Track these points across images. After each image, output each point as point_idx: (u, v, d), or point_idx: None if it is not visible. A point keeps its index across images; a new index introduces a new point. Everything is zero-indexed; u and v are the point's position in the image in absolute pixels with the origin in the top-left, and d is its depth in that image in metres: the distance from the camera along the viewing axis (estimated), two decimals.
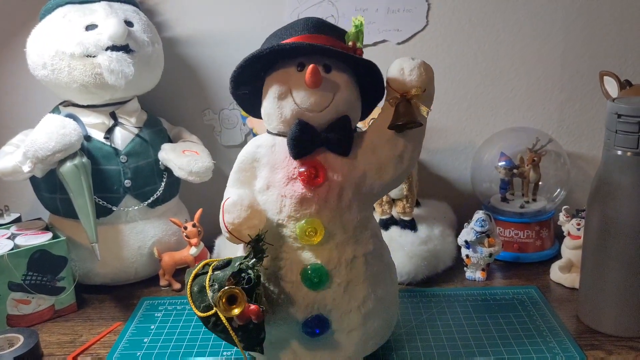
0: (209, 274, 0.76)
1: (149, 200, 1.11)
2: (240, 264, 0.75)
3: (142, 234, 1.11)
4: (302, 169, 0.79)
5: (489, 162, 1.22)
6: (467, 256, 1.12)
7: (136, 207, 1.10)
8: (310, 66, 0.76)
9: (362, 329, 0.83)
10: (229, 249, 1.07)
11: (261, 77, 0.84)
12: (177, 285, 1.12)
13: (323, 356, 0.83)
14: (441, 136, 1.29)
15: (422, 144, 0.86)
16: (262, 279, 0.77)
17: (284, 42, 0.80)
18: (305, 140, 0.80)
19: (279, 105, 0.80)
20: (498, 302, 1.04)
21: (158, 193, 1.12)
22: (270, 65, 0.83)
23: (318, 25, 0.82)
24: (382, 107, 0.85)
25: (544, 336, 0.93)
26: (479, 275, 1.12)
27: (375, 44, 1.24)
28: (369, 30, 1.23)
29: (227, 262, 0.78)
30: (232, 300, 0.71)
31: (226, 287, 0.71)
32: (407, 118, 0.80)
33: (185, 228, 1.10)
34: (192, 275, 0.78)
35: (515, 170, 1.19)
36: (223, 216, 0.78)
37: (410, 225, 1.14)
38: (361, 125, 1.13)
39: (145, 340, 0.96)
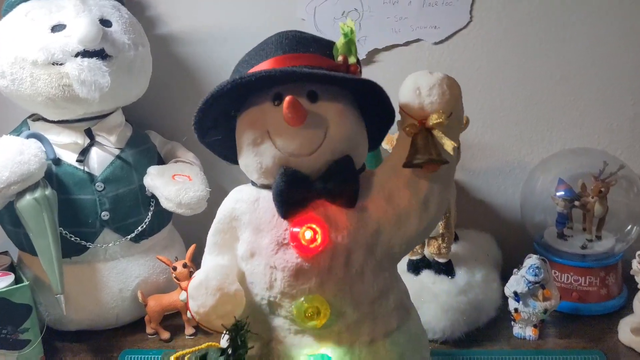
0: None
1: (132, 235, 0.93)
2: None
3: (124, 274, 0.94)
4: (295, 231, 0.60)
5: (543, 190, 1.01)
6: (517, 310, 0.91)
7: (117, 243, 0.92)
8: (287, 98, 0.57)
9: None
10: None
11: (233, 116, 0.64)
12: (165, 335, 0.95)
13: None
14: (485, 154, 1.09)
15: (453, 182, 0.67)
16: None
17: (252, 70, 0.61)
18: (295, 194, 0.61)
19: (256, 152, 0.62)
20: None
21: (143, 225, 0.94)
22: (241, 101, 0.64)
23: (296, 42, 0.63)
24: (397, 138, 0.65)
25: None
26: (529, 332, 0.92)
27: (407, 43, 1.04)
28: (400, 27, 1.02)
29: (203, 357, 0.60)
30: None
31: None
32: (427, 156, 0.61)
33: (175, 269, 0.93)
34: None
35: (576, 202, 0.97)
36: (188, 302, 0.61)
37: (447, 270, 0.94)
38: (387, 147, 0.93)
39: None
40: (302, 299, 0.61)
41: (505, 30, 1.02)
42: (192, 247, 0.94)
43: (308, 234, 0.60)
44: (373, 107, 0.64)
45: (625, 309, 0.96)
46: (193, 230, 1.00)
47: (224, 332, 0.59)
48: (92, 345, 0.94)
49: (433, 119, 0.60)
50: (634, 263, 0.90)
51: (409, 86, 0.62)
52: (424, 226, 0.65)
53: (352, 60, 0.62)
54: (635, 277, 0.90)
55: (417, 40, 1.03)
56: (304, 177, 0.61)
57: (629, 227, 0.99)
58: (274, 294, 0.62)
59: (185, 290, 0.93)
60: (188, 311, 0.93)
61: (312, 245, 0.61)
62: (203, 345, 0.63)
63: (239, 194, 0.67)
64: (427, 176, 0.63)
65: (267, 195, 0.63)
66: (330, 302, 0.61)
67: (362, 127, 0.64)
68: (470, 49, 1.04)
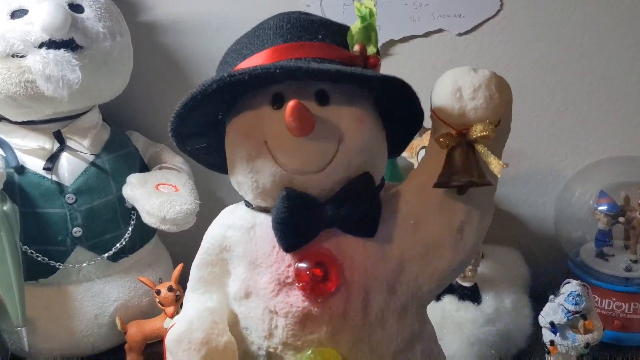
0: None
1: (110, 253, 0.81)
2: None
3: (101, 298, 0.82)
4: (301, 267, 0.48)
5: (582, 204, 0.88)
6: (553, 343, 0.79)
7: (91, 263, 0.80)
8: (290, 103, 0.45)
9: None
10: None
11: (220, 121, 0.52)
12: None
13: None
14: (514, 160, 0.96)
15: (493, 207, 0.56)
16: None
17: (244, 62, 0.50)
18: (300, 223, 0.49)
19: (250, 168, 0.50)
20: None
21: (123, 242, 0.82)
22: (230, 102, 0.51)
23: (300, 26, 0.51)
24: (428, 148, 0.54)
25: None
26: None
27: (427, 34, 0.91)
28: (420, 15, 0.90)
29: None
30: None
31: None
32: (467, 177, 0.49)
33: (158, 292, 0.80)
34: None
35: (621, 218, 0.85)
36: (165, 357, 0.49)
37: (472, 295, 0.82)
38: (406, 154, 0.81)
39: None
40: (310, 351, 0.49)
41: (540, 20, 0.89)
42: (179, 267, 0.82)
43: (317, 272, 0.48)
44: (396, 108, 0.52)
45: None
46: (182, 244, 0.88)
47: None
48: None
49: (477, 131, 0.48)
50: None
51: (446, 86, 0.50)
52: (458, 260, 0.53)
53: (371, 50, 0.50)
54: None
55: (439, 30, 0.91)
56: (311, 201, 0.49)
57: None
58: (274, 344, 0.50)
59: (171, 317, 0.81)
60: None
61: (322, 286, 0.48)
62: None
63: (230, 218, 0.54)
64: (464, 198, 0.51)
65: (266, 221, 0.51)
66: (345, 355, 0.49)
67: (383, 135, 0.52)
68: (500, 41, 0.91)
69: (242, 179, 0.51)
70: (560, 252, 0.94)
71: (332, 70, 0.47)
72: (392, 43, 0.91)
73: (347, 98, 0.50)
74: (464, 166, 0.49)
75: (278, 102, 0.49)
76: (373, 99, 0.52)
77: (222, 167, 0.56)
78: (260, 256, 0.51)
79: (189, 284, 0.56)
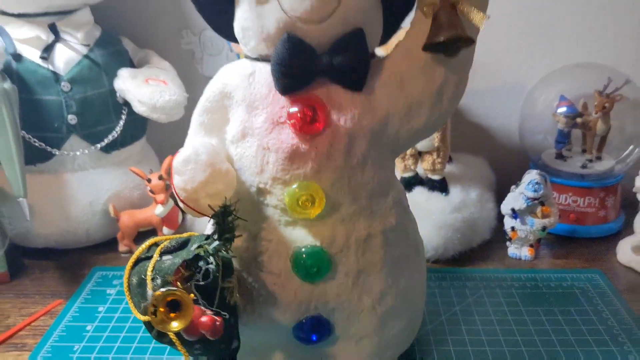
0: (153, 259, 0.52)
1: (103, 143, 0.85)
2: (199, 246, 0.51)
3: (95, 186, 0.87)
4: (294, 110, 0.54)
5: (544, 108, 0.95)
6: (513, 228, 0.87)
7: (85, 152, 0.85)
8: None
9: (378, 336, 0.60)
10: None
11: None
12: None
13: None
14: (480, 73, 1.02)
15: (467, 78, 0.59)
16: (234, 266, 0.53)
17: None
18: (297, 66, 0.54)
19: (258, 13, 0.54)
20: (553, 291, 0.79)
21: (115, 134, 0.86)
22: None
23: None
24: (413, 21, 0.59)
25: (616, 338, 0.70)
26: (525, 252, 0.87)
27: None
28: None
29: (184, 243, 0.54)
30: (175, 307, 0.47)
31: (162, 290, 0.47)
32: (452, 32, 0.53)
33: (149, 181, 0.86)
34: (132, 260, 0.54)
35: (578, 120, 0.92)
36: (172, 179, 0.54)
37: (441, 187, 0.89)
38: (382, 52, 0.86)
39: (89, 327, 0.73)
40: (296, 185, 0.55)
41: None
42: (168, 158, 0.87)
43: (308, 113, 0.54)
44: None
45: (622, 233, 0.93)
46: (167, 148, 0.93)
47: (211, 215, 0.53)
48: (61, 262, 0.87)
49: None
50: (638, 180, 0.86)
51: None
52: (433, 119, 0.59)
53: None
54: (638, 195, 0.87)
55: None
56: (309, 48, 0.54)
57: (630, 149, 0.94)
58: (265, 179, 0.56)
59: (162, 203, 0.87)
60: (163, 227, 0.88)
61: (311, 126, 0.54)
62: (184, 235, 0.56)
63: (232, 69, 0.59)
64: (443, 64, 0.56)
65: (264, 68, 0.56)
66: (327, 190, 0.55)
67: (379, 4, 0.57)
68: None
69: (248, 24, 0.55)
70: (522, 160, 1.01)
71: None
72: None
73: None
74: (449, 23, 0.53)
75: None
76: None
77: (225, 28, 0.59)
78: (257, 99, 0.56)
79: (190, 131, 0.60)
